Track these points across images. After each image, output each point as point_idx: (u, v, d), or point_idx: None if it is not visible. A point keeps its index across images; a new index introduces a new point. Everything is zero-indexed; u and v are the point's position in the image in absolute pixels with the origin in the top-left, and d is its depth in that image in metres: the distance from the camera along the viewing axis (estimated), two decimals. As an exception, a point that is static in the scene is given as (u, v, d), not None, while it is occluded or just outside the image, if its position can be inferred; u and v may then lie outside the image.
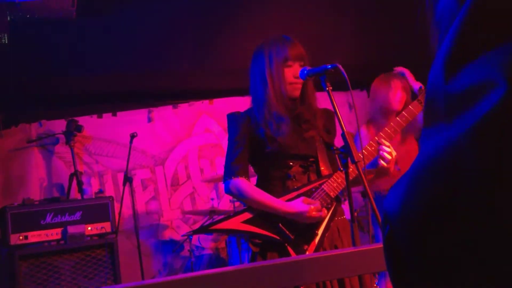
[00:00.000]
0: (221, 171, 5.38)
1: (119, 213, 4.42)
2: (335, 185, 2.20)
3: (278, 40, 2.34)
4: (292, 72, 2.28)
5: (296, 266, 1.00)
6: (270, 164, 2.29)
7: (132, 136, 4.48)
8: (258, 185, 2.33)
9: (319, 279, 1.55)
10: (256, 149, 2.29)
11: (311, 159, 2.27)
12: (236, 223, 2.18)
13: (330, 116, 2.40)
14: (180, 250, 5.12)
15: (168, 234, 5.30)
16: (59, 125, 4.99)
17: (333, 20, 4.91)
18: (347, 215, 4.72)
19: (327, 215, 2.18)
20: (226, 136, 5.70)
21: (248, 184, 2.25)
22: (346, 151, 1.87)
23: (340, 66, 1.94)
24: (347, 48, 5.26)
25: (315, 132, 2.29)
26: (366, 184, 1.79)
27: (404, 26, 4.98)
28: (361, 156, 1.88)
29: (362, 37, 5.18)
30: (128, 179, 4.45)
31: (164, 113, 5.54)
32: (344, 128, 1.89)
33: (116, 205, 4.47)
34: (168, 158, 5.50)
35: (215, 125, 5.67)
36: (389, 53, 5.39)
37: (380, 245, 1.17)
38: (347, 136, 1.88)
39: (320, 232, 2.15)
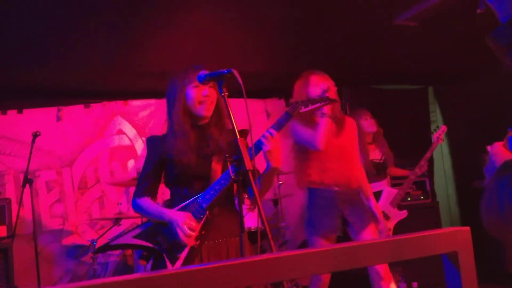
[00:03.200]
0: (133, 174, 5.23)
1: (17, 216, 4.16)
2: (207, 196, 2.31)
3: (187, 68, 2.45)
4: (201, 92, 2.40)
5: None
6: (178, 184, 2.43)
7: (35, 135, 4.22)
8: (166, 203, 2.61)
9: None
10: (167, 171, 2.46)
11: (204, 180, 2.37)
12: (129, 238, 2.40)
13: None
14: (84, 256, 4.90)
15: (72, 239, 5.06)
16: (-44, 120, 4.67)
17: (252, 29, 4.89)
18: (254, 223, 4.69)
19: (197, 235, 2.30)
20: (140, 138, 5.60)
21: (148, 201, 2.46)
22: (238, 159, 1.83)
23: (235, 72, 1.88)
24: (265, 56, 5.27)
25: (215, 150, 2.38)
26: (256, 193, 1.75)
27: (322, 37, 5.06)
28: (254, 165, 1.84)
29: (281, 46, 5.20)
30: (28, 181, 4.18)
31: (74, 112, 5.30)
32: (238, 135, 1.85)
33: (17, 208, 4.22)
34: (76, 160, 5.26)
35: (129, 127, 5.50)
36: (307, 63, 5.44)
37: (266, 256, 1.12)
38: (240, 144, 1.83)
39: (190, 242, 2.30)
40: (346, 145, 3.47)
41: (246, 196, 2.31)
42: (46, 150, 5.12)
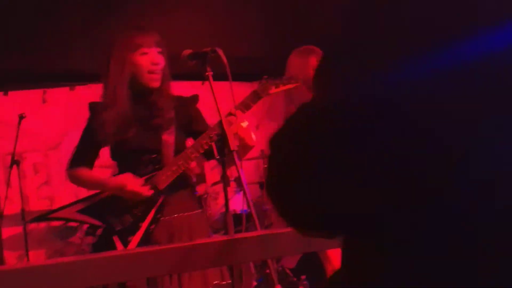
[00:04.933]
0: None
1: (5, 198, 4.19)
2: (163, 177, 2.17)
3: (130, 29, 2.24)
4: (150, 59, 2.18)
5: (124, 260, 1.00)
6: (124, 160, 2.29)
7: (21, 117, 4.24)
8: None
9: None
10: (112, 146, 2.29)
11: (154, 155, 2.24)
12: (71, 212, 2.26)
13: (187, 103, 2.33)
14: (72, 236, 4.93)
15: (60, 221, 5.08)
16: None
17: (239, 12, 4.90)
18: (239, 206, 4.72)
19: (153, 208, 2.19)
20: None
21: (86, 171, 2.33)
22: (223, 139, 1.87)
23: (220, 51, 1.91)
24: (251, 40, 5.27)
25: (164, 121, 2.22)
26: (240, 173, 1.80)
27: (308, 22, 5.08)
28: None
29: (267, 29, 5.21)
30: (15, 162, 4.21)
31: (59, 95, 5.30)
32: (221, 116, 1.89)
33: (4, 189, 4.25)
34: (63, 142, 5.27)
35: (115, 109, 5.50)
36: (292, 47, 5.46)
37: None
38: (224, 124, 1.87)
39: (144, 225, 2.16)
40: None
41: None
42: (32, 132, 5.11)
